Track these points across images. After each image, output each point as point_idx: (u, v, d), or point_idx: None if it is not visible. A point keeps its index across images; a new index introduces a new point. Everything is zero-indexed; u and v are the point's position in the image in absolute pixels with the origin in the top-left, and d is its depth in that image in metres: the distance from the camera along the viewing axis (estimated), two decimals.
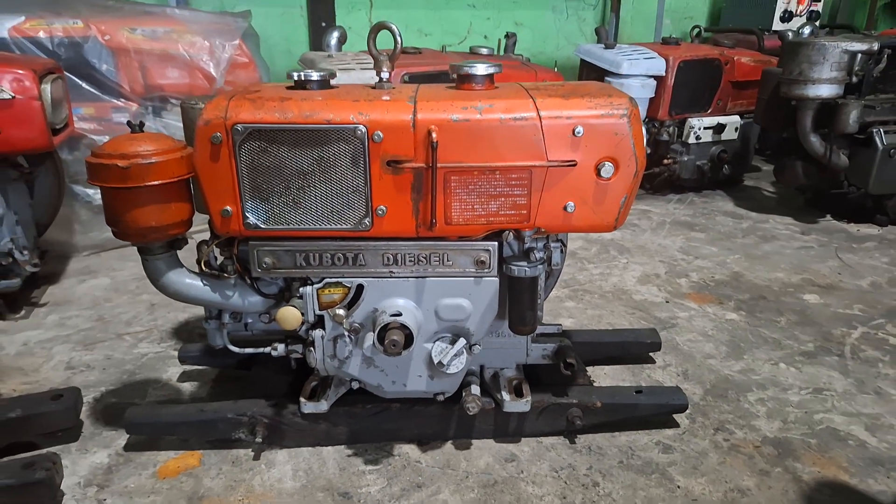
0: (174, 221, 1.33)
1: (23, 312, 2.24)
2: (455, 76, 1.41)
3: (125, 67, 2.81)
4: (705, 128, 3.57)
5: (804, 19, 4.83)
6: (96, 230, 2.78)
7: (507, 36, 3.85)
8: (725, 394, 1.83)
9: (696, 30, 3.79)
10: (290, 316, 1.36)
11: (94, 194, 2.80)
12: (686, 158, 3.64)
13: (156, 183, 1.26)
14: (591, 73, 3.51)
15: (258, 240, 1.36)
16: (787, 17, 4.77)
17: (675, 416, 1.71)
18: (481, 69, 1.38)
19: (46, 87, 2.08)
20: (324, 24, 4.31)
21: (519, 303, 1.42)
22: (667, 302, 2.41)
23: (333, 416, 1.55)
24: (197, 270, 1.42)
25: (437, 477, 1.50)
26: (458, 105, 1.28)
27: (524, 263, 1.38)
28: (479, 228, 1.35)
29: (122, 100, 2.85)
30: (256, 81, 3.04)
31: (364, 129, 1.26)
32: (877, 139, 2.97)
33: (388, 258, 1.38)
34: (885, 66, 2.89)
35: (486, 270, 1.40)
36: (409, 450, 1.58)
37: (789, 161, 3.23)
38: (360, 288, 1.40)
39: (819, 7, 4.90)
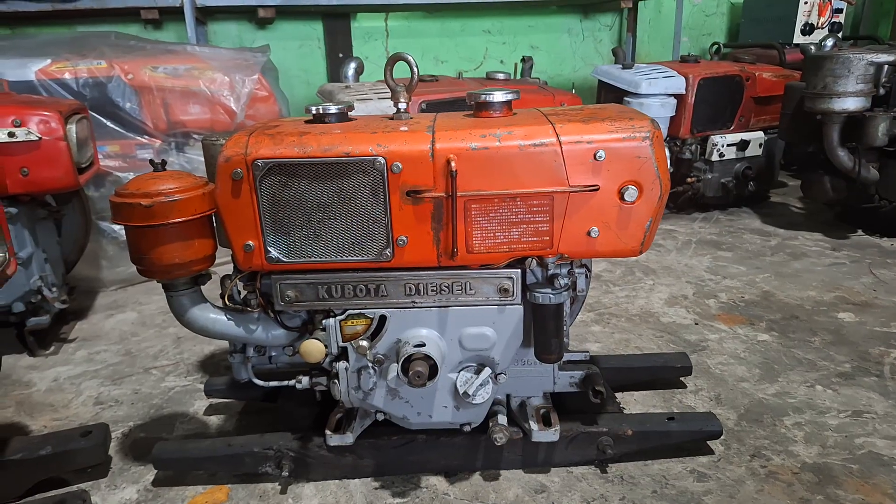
0: (198, 257, 1.34)
1: (52, 349, 2.28)
2: (473, 104, 1.41)
3: (148, 105, 2.88)
4: (728, 145, 3.52)
5: (826, 31, 4.78)
6: (123, 265, 2.83)
7: (523, 60, 3.87)
8: (761, 418, 1.77)
9: (715, 46, 3.77)
10: (313, 349, 1.35)
11: (120, 230, 2.85)
12: (710, 176, 3.59)
13: (179, 220, 1.28)
14: (609, 93, 3.51)
15: (281, 273, 1.36)
16: (809, 29, 4.71)
17: (709, 442, 1.65)
18: (499, 96, 1.38)
19: (72, 128, 2.14)
20: (341, 56, 4.39)
21: (544, 330, 1.40)
22: (696, 324, 2.36)
23: (359, 449, 1.53)
24: (221, 305, 1.43)
25: None
26: (476, 133, 1.27)
27: (548, 290, 1.36)
28: (502, 256, 1.33)
29: (146, 137, 2.91)
30: (276, 114, 3.09)
31: (383, 161, 1.26)
32: None
33: (411, 288, 1.37)
34: None
35: (509, 298, 1.38)
36: (436, 482, 1.55)
37: (816, 176, 3.16)
38: (382, 319, 1.39)
39: (841, 18, 4.84)
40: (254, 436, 1.55)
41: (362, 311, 1.39)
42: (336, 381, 1.43)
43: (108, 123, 2.85)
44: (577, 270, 1.41)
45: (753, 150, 3.59)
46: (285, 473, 1.50)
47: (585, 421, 1.58)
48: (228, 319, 1.42)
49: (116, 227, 2.81)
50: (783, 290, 2.63)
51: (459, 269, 1.36)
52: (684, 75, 3.34)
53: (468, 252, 1.32)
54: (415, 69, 1.40)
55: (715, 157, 3.53)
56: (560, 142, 1.26)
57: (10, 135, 1.97)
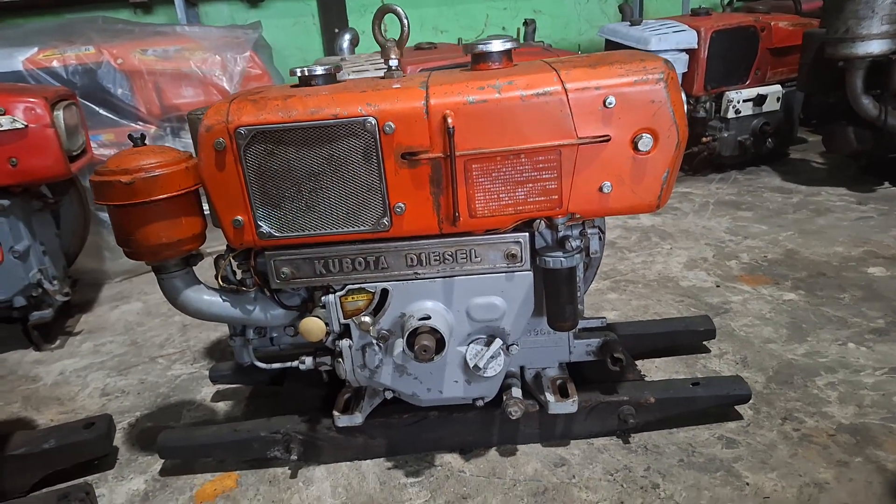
0: (186, 236, 1.27)
1: (58, 342, 2.24)
2: (470, 56, 1.31)
3: (140, 90, 2.81)
4: (744, 100, 3.37)
5: None
6: (119, 251, 2.78)
7: (525, 23, 3.73)
8: (791, 380, 1.68)
9: (728, 4, 3.59)
10: (313, 327, 1.28)
11: None
12: (726, 135, 3.44)
13: (163, 197, 1.20)
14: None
15: (274, 249, 1.29)
16: None
17: (737, 407, 1.56)
18: (497, 45, 1.28)
19: (59, 114, 2.07)
20: (337, 31, 4.26)
21: (557, 297, 1.31)
22: (717, 286, 2.26)
23: (370, 429, 1.47)
24: (216, 287, 1.36)
25: (483, 486, 1.40)
26: (473, 86, 1.18)
27: (559, 254, 1.27)
28: (507, 219, 1.24)
29: (140, 123, 2.85)
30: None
31: (374, 121, 1.17)
32: None
33: (412, 259, 1.29)
34: None
35: (518, 264, 1.29)
36: (451, 459, 1.49)
37: (839, 127, 3.01)
38: (384, 292, 1.32)
39: None
40: (260, 420, 1.50)
41: (363, 285, 1.31)
42: (340, 359, 1.36)
43: (101, 111, 2.78)
44: (589, 231, 1.32)
45: (771, 105, 3.44)
46: (294, 457, 1.44)
47: (605, 390, 1.50)
48: (224, 301, 1.35)
49: None
50: (808, 247, 2.51)
51: (463, 236, 1.27)
52: (696, 29, 3.19)
53: (471, 217, 1.23)
54: (405, 21, 1.30)
55: (731, 114, 3.39)
56: (566, 89, 1.16)
57: None
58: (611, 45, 3.46)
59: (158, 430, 1.58)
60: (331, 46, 4.28)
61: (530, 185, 1.22)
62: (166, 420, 1.73)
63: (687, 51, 3.19)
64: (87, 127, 2.38)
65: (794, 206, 3.00)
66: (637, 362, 1.78)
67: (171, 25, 2.98)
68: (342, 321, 1.33)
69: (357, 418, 1.43)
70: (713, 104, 3.40)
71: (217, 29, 2.96)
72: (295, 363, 1.41)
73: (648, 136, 1.18)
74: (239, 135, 1.18)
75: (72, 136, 2.16)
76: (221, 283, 1.34)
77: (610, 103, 1.16)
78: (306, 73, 1.30)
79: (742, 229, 2.77)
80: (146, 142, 1.29)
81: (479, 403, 1.44)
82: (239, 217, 1.24)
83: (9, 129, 1.92)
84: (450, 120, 1.15)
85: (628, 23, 3.37)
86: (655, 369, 1.79)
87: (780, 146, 3.63)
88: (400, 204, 1.22)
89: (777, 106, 3.46)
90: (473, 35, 4.64)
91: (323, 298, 1.32)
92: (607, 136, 1.18)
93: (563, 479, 1.40)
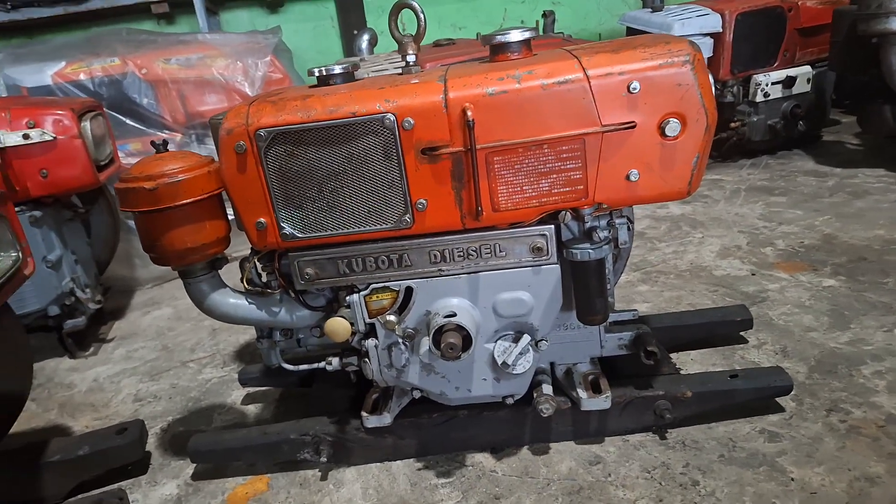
0: (211, 240, 1.27)
1: (91, 349, 2.28)
2: (488, 48, 1.29)
3: (165, 98, 2.85)
4: (773, 83, 3.27)
5: None
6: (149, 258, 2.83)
7: (544, 15, 3.67)
8: (835, 369, 1.61)
9: None
10: (338, 327, 1.27)
11: None
12: (755, 119, 3.35)
13: (186, 202, 1.20)
14: None
15: (298, 250, 1.28)
16: None
17: (778, 399, 1.50)
18: (516, 35, 1.25)
19: (86, 125, 2.10)
20: (356, 32, 4.27)
21: (586, 290, 1.28)
22: (753, 274, 2.19)
23: (399, 429, 1.45)
24: (242, 290, 1.36)
25: (516, 486, 1.38)
26: (493, 77, 1.15)
27: (587, 245, 1.24)
28: (532, 212, 1.21)
29: (166, 131, 2.89)
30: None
31: (393, 118, 1.15)
32: None
33: (436, 255, 1.27)
34: None
35: (544, 258, 1.26)
36: (482, 459, 1.46)
37: (874, 107, 2.90)
38: (409, 290, 1.30)
39: None
40: (289, 422, 1.49)
41: (387, 283, 1.30)
42: (367, 360, 1.34)
43: (127, 121, 2.83)
44: (617, 221, 1.28)
45: (801, 87, 3.33)
46: (324, 459, 1.43)
47: (639, 385, 1.46)
48: (250, 303, 1.35)
49: None
50: (846, 231, 2.42)
51: (487, 231, 1.25)
52: (720, 12, 3.11)
53: (494, 210, 1.20)
54: (421, 16, 1.28)
55: (759, 98, 3.29)
56: (588, 76, 1.13)
57: (25, 136, 1.95)
58: (632, 33, 3.39)
59: (190, 435, 1.58)
60: (350, 48, 4.29)
61: (554, 175, 1.18)
62: (198, 424, 1.74)
63: (712, 35, 3.11)
64: (114, 136, 2.42)
65: (829, 189, 2.89)
66: (672, 355, 1.73)
67: (193, 34, 3.02)
68: (367, 321, 1.32)
69: (386, 419, 1.41)
70: (741, 88, 3.30)
71: (237, 35, 2.98)
72: (322, 364, 1.40)
73: (676, 120, 1.13)
74: (259, 137, 1.17)
75: (99, 145, 2.19)
76: (247, 285, 1.34)
77: (634, 88, 1.12)
78: (324, 73, 1.28)
79: (776, 215, 2.68)
80: (169, 148, 1.29)
81: (510, 401, 1.41)
82: (262, 219, 1.23)
83: (38, 142, 1.96)
84: (469, 113, 1.13)
85: (650, 9, 3.30)
86: (691, 362, 1.74)
87: (812, 128, 3.51)
88: (422, 200, 1.20)
89: (808, 87, 3.34)
90: (492, 29, 4.60)
91: (347, 298, 1.31)
92: (633, 122, 1.14)
93: (599, 478, 1.37)
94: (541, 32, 3.73)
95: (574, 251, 1.24)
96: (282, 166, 1.20)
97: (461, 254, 1.27)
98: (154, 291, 2.78)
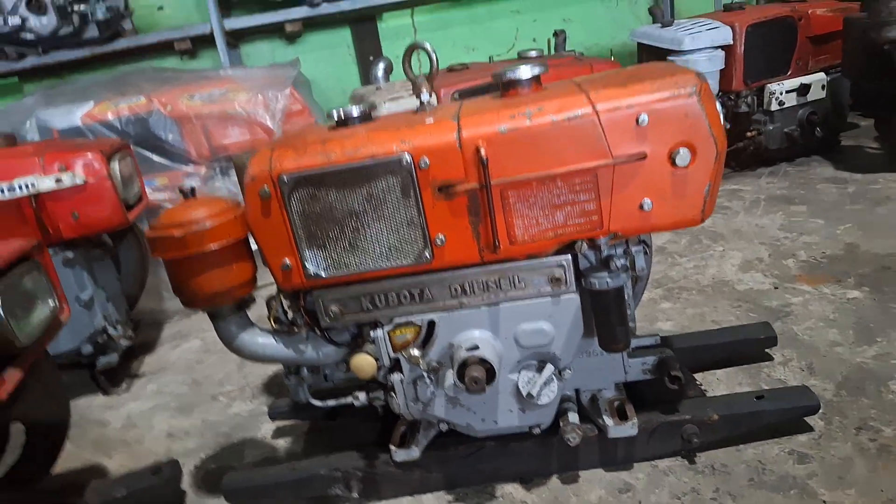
0: (239, 283, 1.31)
1: (124, 385, 2.34)
2: (499, 84, 1.32)
3: (189, 134, 2.93)
4: (787, 91, 3.26)
5: None
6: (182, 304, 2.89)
7: (555, 34, 3.71)
8: (862, 386, 1.59)
9: None
10: (364, 364, 1.30)
11: None
12: (771, 127, 3.33)
13: (214, 247, 1.25)
14: (651, 56, 3.32)
15: (322, 289, 1.31)
16: None
17: (807, 419, 1.49)
18: (525, 72, 1.28)
19: (115, 166, 2.17)
20: (372, 59, 4.35)
21: (606, 318, 1.29)
22: (776, 288, 2.17)
23: (427, 462, 1.47)
24: (268, 328, 1.40)
25: None
26: (504, 115, 1.18)
27: (605, 274, 1.25)
28: (548, 243, 1.24)
29: (192, 165, 2.97)
30: (312, 125, 3.08)
31: (409, 158, 1.19)
32: None
33: (456, 289, 1.29)
34: None
35: (563, 288, 1.28)
36: (511, 489, 1.47)
37: (891, 117, 2.87)
38: (431, 324, 1.32)
39: None
40: (319, 458, 1.52)
41: (409, 318, 1.32)
42: (393, 394, 1.37)
43: (154, 157, 2.92)
44: (633, 248, 1.29)
45: (816, 94, 3.31)
46: (355, 495, 1.46)
47: (665, 410, 1.46)
48: (277, 342, 1.38)
49: None
50: (869, 240, 2.39)
51: (505, 263, 1.27)
52: (730, 24, 3.11)
53: (511, 243, 1.23)
54: (433, 56, 1.32)
55: (774, 107, 3.27)
56: (597, 111, 1.15)
57: (57, 181, 2.02)
58: (644, 49, 3.41)
59: (223, 471, 1.62)
60: (367, 74, 4.37)
61: (569, 207, 1.21)
62: (229, 460, 1.77)
63: (723, 47, 3.11)
64: (141, 174, 2.48)
65: (850, 196, 2.86)
66: (697, 375, 1.73)
67: (215, 70, 3.11)
68: (392, 355, 1.34)
69: (414, 452, 1.43)
70: (755, 98, 3.29)
71: (258, 69, 3.07)
72: (349, 399, 1.42)
73: (686, 150, 1.15)
74: (282, 182, 1.22)
75: (127, 185, 2.26)
76: (274, 324, 1.38)
77: (643, 121, 1.14)
78: (343, 115, 1.33)
79: (797, 225, 2.66)
80: (195, 187, 1.33)
81: (536, 431, 1.42)
82: (287, 260, 1.27)
83: (70, 186, 2.03)
84: (483, 151, 1.16)
85: (660, 24, 3.32)
86: (717, 382, 1.73)
87: (830, 134, 3.48)
88: (440, 235, 1.23)
89: (822, 94, 3.32)
90: (505, 49, 4.65)
91: (372, 333, 1.34)
92: (643, 153, 1.16)
93: None
94: (552, 52, 3.78)
95: (592, 280, 1.26)
96: (305, 209, 1.24)
97: (481, 286, 1.29)
98: (182, 323, 2.84)
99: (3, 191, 1.98)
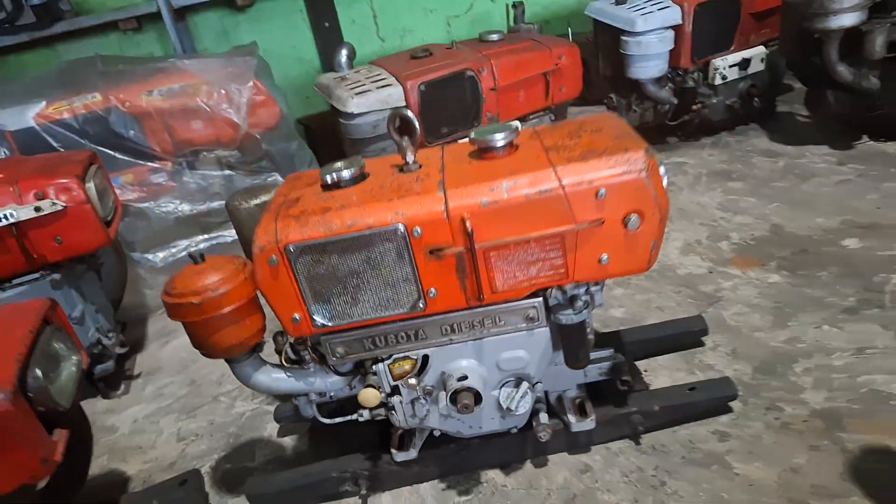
0: (252, 333, 1.49)
1: (122, 388, 2.49)
2: (477, 148, 1.49)
3: (151, 130, 2.94)
4: (730, 66, 3.46)
5: None
6: (155, 284, 2.99)
7: (514, 6, 3.77)
8: (774, 369, 1.93)
9: None
10: (370, 396, 1.53)
11: (153, 257, 3.00)
12: (715, 100, 3.55)
13: (229, 309, 1.41)
14: (605, 33, 3.44)
15: (328, 334, 1.51)
16: None
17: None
18: (500, 140, 1.45)
19: (91, 186, 2.21)
20: (327, 24, 4.30)
21: (571, 344, 1.55)
22: (710, 272, 2.48)
23: (423, 459, 1.74)
24: (277, 363, 1.59)
25: (523, 499, 1.69)
26: (484, 188, 1.36)
27: (570, 311, 1.49)
28: (524, 291, 1.46)
29: (157, 161, 2.99)
30: (277, 115, 3.12)
31: (403, 227, 1.37)
32: None
33: (446, 329, 1.51)
34: None
35: (536, 323, 1.52)
36: (494, 475, 1.77)
37: (819, 92, 3.14)
38: (425, 357, 1.55)
39: None
40: (329, 461, 1.77)
41: (406, 354, 1.54)
42: (393, 412, 1.61)
43: (118, 155, 2.92)
44: (593, 289, 1.53)
45: (756, 67, 3.52)
46: (364, 491, 1.72)
47: (617, 403, 1.76)
48: (289, 377, 1.58)
49: (149, 256, 2.96)
50: (793, 220, 2.71)
51: (488, 306, 1.49)
52: (679, 4, 3.24)
53: (493, 292, 1.44)
54: (416, 125, 1.47)
55: (718, 81, 3.48)
56: (563, 185, 1.35)
57: (37, 209, 2.07)
58: (598, 26, 3.52)
59: (238, 472, 1.85)
60: (322, 42, 4.33)
61: (541, 262, 1.42)
62: (242, 460, 2.00)
63: (673, 27, 3.27)
64: (109, 179, 2.51)
65: (780, 171, 3.16)
66: (644, 362, 2.04)
67: (171, 60, 3.06)
68: (392, 384, 1.57)
69: (412, 453, 1.70)
70: (700, 73, 3.50)
71: (216, 59, 3.03)
72: (354, 416, 1.65)
73: (636, 216, 1.37)
74: (288, 251, 1.38)
75: (103, 199, 2.31)
76: (285, 363, 1.57)
77: (601, 194, 1.35)
78: (336, 178, 1.47)
79: (733, 204, 2.96)
80: (204, 257, 1.47)
81: (514, 430, 1.70)
82: (296, 315, 1.45)
83: (49, 212, 2.09)
84: (468, 223, 1.35)
85: (614, 1, 3.42)
86: (659, 367, 2.04)
87: (767, 103, 3.74)
88: (432, 289, 1.43)
89: (762, 66, 3.55)
90: (463, 10, 4.65)
91: (374, 367, 1.55)
92: (601, 220, 1.37)
93: (589, 485, 1.68)
94: (511, 24, 3.84)
95: (560, 317, 1.50)
96: (309, 271, 1.41)
97: (468, 325, 1.51)
98: (165, 319, 2.94)
99: None
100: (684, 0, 3.25)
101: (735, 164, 3.37)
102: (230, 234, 3.10)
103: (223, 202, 3.02)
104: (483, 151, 1.48)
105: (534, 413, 1.71)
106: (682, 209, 3.01)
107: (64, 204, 2.11)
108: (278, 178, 3.15)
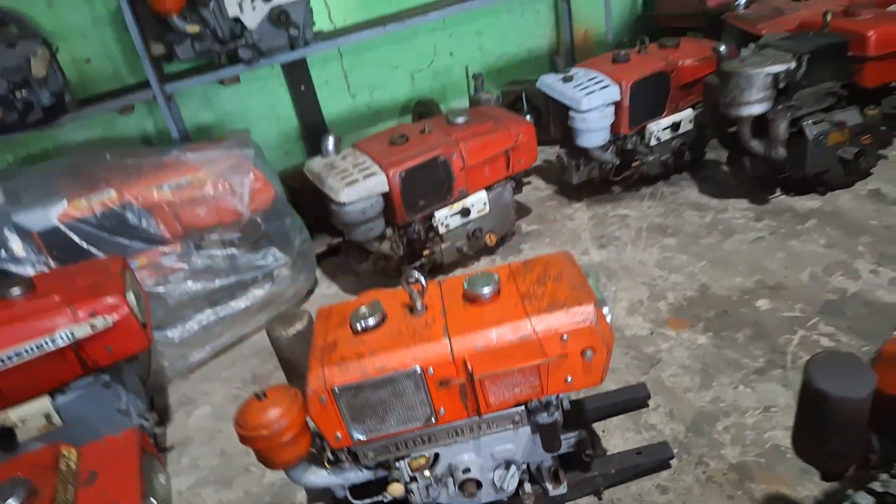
0: (305, 449, 1.92)
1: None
2: (466, 298, 1.95)
3: (162, 219, 3.27)
4: (663, 129, 4.01)
5: None
6: (175, 357, 3.35)
7: (474, 77, 4.21)
8: (701, 428, 2.48)
9: (641, 44, 4.10)
10: (397, 489, 1.99)
11: (170, 333, 3.34)
12: (651, 158, 4.10)
13: (289, 435, 1.84)
14: (555, 107, 3.92)
15: (362, 444, 1.96)
16: None
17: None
18: (487, 293, 1.91)
19: (131, 297, 2.58)
20: (303, 87, 4.63)
21: (547, 437, 2.04)
22: (651, 333, 3.02)
23: None
24: (323, 465, 2.03)
25: None
26: (479, 336, 1.83)
27: (545, 414, 1.98)
28: (510, 403, 1.94)
29: (167, 245, 3.33)
30: (272, 196, 3.48)
31: (420, 368, 1.82)
32: (806, 131, 3.45)
33: (452, 433, 1.98)
34: (805, 69, 3.30)
35: (520, 425, 2.00)
36: None
37: (737, 157, 3.72)
38: (436, 455, 2.02)
39: None
40: None
41: (422, 453, 2.01)
42: (412, 493, 2.08)
43: (132, 243, 3.24)
44: (562, 395, 2.02)
45: (685, 127, 4.09)
46: None
47: (583, 468, 2.27)
48: (331, 475, 2.03)
49: (167, 333, 3.30)
50: (716, 280, 3.27)
51: (484, 416, 1.96)
52: (618, 82, 3.75)
53: (487, 407, 1.92)
54: (423, 281, 1.91)
55: (653, 142, 4.03)
56: (536, 333, 1.83)
57: (92, 327, 2.43)
58: (549, 99, 3.99)
59: None
60: (299, 102, 4.66)
61: (522, 384, 1.90)
62: None
63: (613, 103, 3.77)
64: (137, 280, 2.86)
65: (707, 227, 3.73)
66: (600, 424, 2.56)
67: (173, 152, 3.35)
68: (410, 475, 2.04)
69: None
70: (638, 137, 4.03)
71: (216, 151, 3.35)
72: (379, 497, 2.11)
73: (591, 350, 1.86)
74: (335, 392, 1.81)
75: (139, 303, 2.68)
76: (328, 465, 2.01)
77: (565, 338, 1.83)
78: (364, 326, 1.91)
79: (668, 262, 3.50)
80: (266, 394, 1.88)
81: (505, 498, 2.20)
82: (338, 434, 1.89)
83: (102, 329, 2.45)
84: (469, 364, 1.81)
85: (561, 77, 3.89)
86: (614, 427, 2.56)
87: (697, 154, 4.32)
88: (441, 408, 1.90)
89: (690, 126, 4.11)
90: (425, 64, 5.04)
91: (396, 464, 2.01)
92: (565, 354, 1.86)
93: None
94: (472, 92, 4.28)
95: (538, 419, 1.99)
96: (349, 403, 1.85)
97: (469, 430, 1.99)
98: (183, 386, 3.34)
99: (48, 343, 2.38)
100: (622, 79, 3.76)
101: (670, 217, 3.92)
102: (236, 306, 3.47)
103: (230, 279, 3.42)
104: (474, 299, 1.94)
105: (520, 483, 2.20)
106: (626, 267, 3.54)
107: (114, 320, 2.47)
108: (276, 252, 3.53)
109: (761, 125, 3.46)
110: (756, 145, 3.51)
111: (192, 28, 3.44)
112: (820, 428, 1.62)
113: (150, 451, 1.92)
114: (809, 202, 3.73)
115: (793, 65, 3.22)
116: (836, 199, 3.70)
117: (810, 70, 3.32)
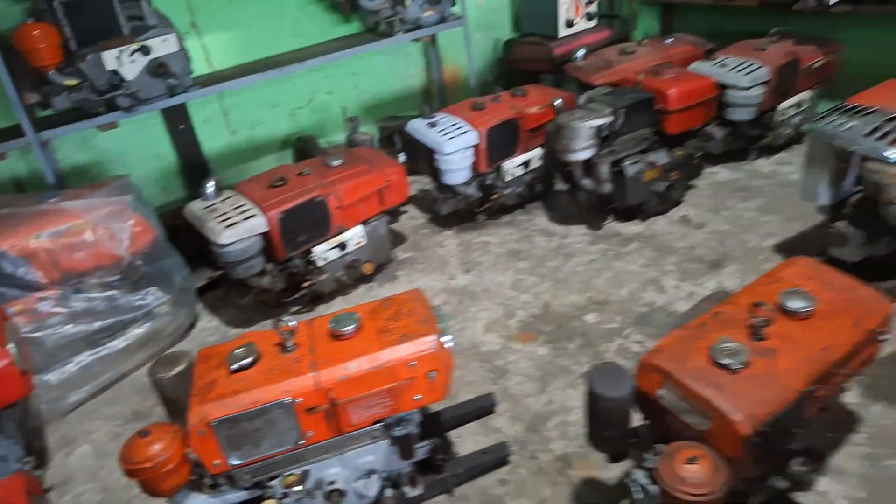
0: (186, 477, 2.18)
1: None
2: (332, 335, 2.31)
3: (39, 265, 3.32)
4: (516, 166, 4.60)
5: (584, 22, 5.82)
6: (52, 398, 3.41)
7: (350, 120, 4.58)
8: (536, 427, 2.99)
9: (496, 93, 4.65)
10: None
11: (47, 377, 3.39)
12: (508, 191, 4.67)
13: (171, 466, 2.10)
14: (423, 149, 4.37)
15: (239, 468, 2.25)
16: (570, 24, 5.73)
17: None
18: (349, 329, 2.28)
19: (12, 346, 2.68)
20: (182, 127, 4.76)
21: (403, 450, 2.44)
22: (502, 348, 3.52)
23: None
24: (202, 490, 2.29)
25: None
26: (341, 368, 2.19)
27: (400, 428, 2.38)
28: (369, 422, 2.32)
29: (44, 291, 3.39)
30: (152, 238, 3.63)
31: (290, 399, 2.15)
32: (626, 170, 4.15)
33: (319, 451, 2.33)
34: (622, 120, 3.99)
35: (379, 438, 2.39)
36: None
37: (573, 191, 4.37)
38: (306, 471, 2.35)
39: (594, 7, 5.88)
40: None
41: (292, 471, 2.34)
42: None
43: (8, 291, 3.27)
44: (415, 412, 2.43)
45: (535, 164, 4.70)
46: None
47: (437, 471, 2.69)
48: (209, 498, 2.30)
49: (45, 377, 3.36)
50: (557, 298, 3.85)
51: (347, 434, 2.33)
52: (475, 128, 4.28)
53: (349, 426, 2.29)
54: (293, 323, 2.25)
55: (509, 178, 4.60)
56: (389, 361, 2.22)
57: None
58: (416, 142, 4.44)
59: None
60: (177, 140, 4.78)
61: (379, 405, 2.29)
62: None
63: (473, 146, 4.29)
64: (17, 328, 2.93)
65: (553, 251, 4.33)
66: (455, 431, 3.00)
67: (50, 199, 3.42)
68: (283, 491, 2.35)
69: None
70: (496, 173, 4.58)
71: (96, 200, 3.42)
72: None
73: (434, 372, 2.28)
74: (213, 424, 2.10)
75: (19, 349, 2.76)
76: (208, 490, 2.28)
77: (413, 364, 2.24)
78: (240, 365, 2.21)
79: (521, 283, 4.05)
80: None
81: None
82: (216, 461, 2.18)
83: None
84: (332, 393, 2.17)
85: (428, 122, 4.36)
86: (466, 433, 3.01)
87: (546, 187, 4.96)
88: (309, 432, 2.24)
89: (540, 163, 4.73)
90: (304, 103, 5.32)
91: (270, 483, 2.32)
92: (414, 377, 2.27)
93: None
94: (349, 133, 4.64)
95: (394, 433, 2.38)
96: (227, 433, 2.14)
97: (334, 447, 2.34)
98: (62, 427, 3.39)
99: None
100: (479, 126, 4.30)
101: (524, 242, 4.49)
102: (115, 346, 3.58)
103: (109, 320, 3.53)
104: (338, 336, 2.31)
105: (381, 489, 2.58)
106: (486, 289, 4.05)
107: None
108: (156, 291, 3.68)
109: (590, 166, 4.11)
110: (587, 183, 4.17)
111: (70, 82, 3.52)
112: (597, 421, 2.15)
113: (39, 494, 2.10)
114: (634, 227, 4.45)
115: (612, 118, 3.89)
116: (654, 224, 4.45)
117: (627, 120, 4.02)
